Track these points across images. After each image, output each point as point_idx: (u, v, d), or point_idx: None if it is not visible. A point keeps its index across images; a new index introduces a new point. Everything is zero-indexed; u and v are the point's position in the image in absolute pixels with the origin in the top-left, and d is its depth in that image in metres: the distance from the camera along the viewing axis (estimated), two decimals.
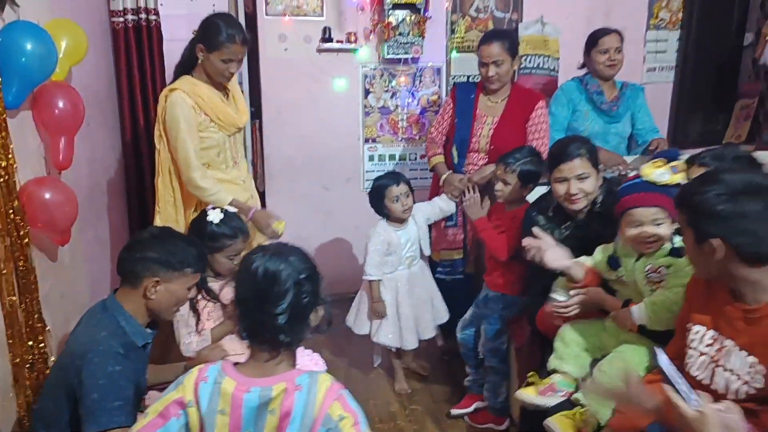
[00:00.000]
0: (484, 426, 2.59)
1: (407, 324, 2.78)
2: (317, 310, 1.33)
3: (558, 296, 1.95)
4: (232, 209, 2.26)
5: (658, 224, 1.71)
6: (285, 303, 1.25)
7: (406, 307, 2.77)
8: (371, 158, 3.81)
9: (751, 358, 1.36)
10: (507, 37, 2.79)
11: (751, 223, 1.30)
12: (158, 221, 2.50)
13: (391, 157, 3.83)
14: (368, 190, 2.86)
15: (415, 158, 3.84)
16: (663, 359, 1.29)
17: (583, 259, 1.95)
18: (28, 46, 1.87)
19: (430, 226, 2.96)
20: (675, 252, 1.71)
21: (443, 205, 2.85)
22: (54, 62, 2.04)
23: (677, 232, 1.68)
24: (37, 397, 1.87)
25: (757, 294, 1.36)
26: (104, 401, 1.53)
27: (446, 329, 2.94)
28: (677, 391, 1.23)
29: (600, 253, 1.92)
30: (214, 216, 2.11)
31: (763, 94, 3.55)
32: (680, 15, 3.84)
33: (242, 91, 2.58)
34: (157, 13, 3.34)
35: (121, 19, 3.21)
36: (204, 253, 1.91)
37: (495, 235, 2.48)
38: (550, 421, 1.76)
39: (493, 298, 2.51)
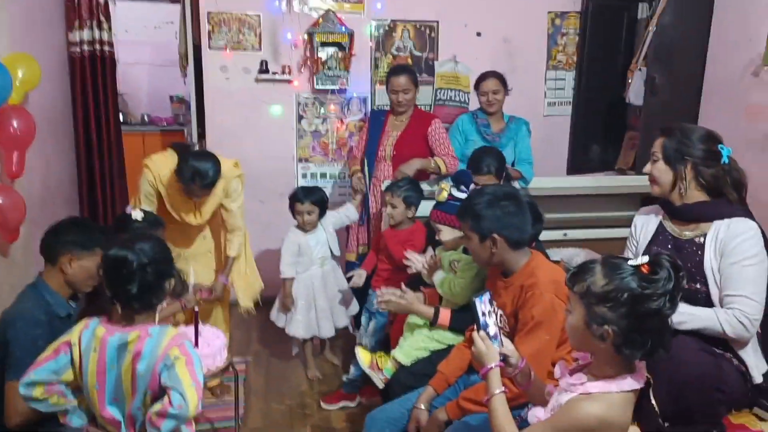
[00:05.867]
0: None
1: (323, 314, 3.21)
2: (170, 281, 1.78)
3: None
4: (149, 209, 2.71)
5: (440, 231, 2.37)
6: (134, 281, 1.68)
7: (322, 300, 3.20)
8: (304, 176, 4.26)
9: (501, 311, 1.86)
10: (411, 71, 3.41)
11: (512, 217, 1.79)
12: None
13: (323, 175, 4.28)
14: None
15: (344, 176, 4.28)
16: (478, 301, 1.54)
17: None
18: None
19: (347, 229, 3.45)
20: (464, 251, 2.28)
21: (350, 214, 3.35)
22: (9, 90, 2.47)
23: None
24: None
25: (513, 268, 1.87)
26: (25, 358, 1.83)
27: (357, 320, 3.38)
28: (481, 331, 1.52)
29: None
30: (137, 214, 2.54)
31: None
32: (575, 58, 4.39)
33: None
34: (111, 44, 3.78)
35: (78, 49, 3.65)
36: (112, 239, 2.26)
37: None
38: (358, 349, 2.40)
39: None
